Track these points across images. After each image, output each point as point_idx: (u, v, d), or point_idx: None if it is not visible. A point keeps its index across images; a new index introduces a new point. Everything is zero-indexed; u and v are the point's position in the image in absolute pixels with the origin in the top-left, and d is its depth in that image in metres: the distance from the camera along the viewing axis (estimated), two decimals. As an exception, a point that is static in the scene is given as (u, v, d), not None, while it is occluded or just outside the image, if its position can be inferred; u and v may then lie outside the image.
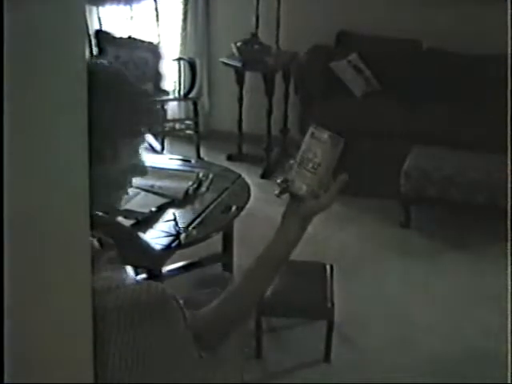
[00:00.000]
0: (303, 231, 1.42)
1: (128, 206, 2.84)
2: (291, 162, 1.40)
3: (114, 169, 1.35)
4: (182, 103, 5.49)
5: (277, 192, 1.40)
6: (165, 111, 5.39)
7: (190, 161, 3.73)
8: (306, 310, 3.02)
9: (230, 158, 5.20)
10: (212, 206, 3.04)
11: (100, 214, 1.44)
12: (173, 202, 3.01)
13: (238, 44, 4.87)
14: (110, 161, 1.34)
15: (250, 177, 3.87)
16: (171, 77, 5.25)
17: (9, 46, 0.86)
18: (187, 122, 5.44)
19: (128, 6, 5.20)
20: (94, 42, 4.88)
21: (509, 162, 3.42)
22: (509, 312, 2.13)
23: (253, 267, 1.46)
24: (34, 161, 0.96)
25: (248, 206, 3.13)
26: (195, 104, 5.14)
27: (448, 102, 4.75)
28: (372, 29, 5.04)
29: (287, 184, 1.38)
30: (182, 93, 5.19)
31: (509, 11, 2.93)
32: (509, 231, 2.91)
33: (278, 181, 1.39)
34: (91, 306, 1.14)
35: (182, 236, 2.77)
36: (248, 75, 5.14)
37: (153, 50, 5.11)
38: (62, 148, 1.00)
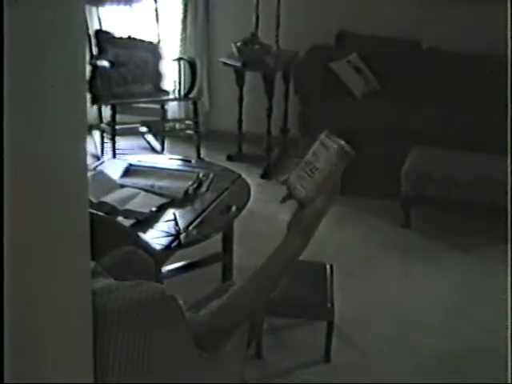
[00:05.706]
0: (307, 241, 1.45)
1: (128, 206, 2.84)
2: (297, 161, 1.42)
3: None
4: (182, 103, 5.48)
5: (280, 199, 1.44)
6: (165, 111, 5.40)
7: (190, 161, 3.74)
8: (306, 310, 3.02)
9: (229, 158, 5.20)
10: (212, 206, 3.04)
11: (100, 213, 1.44)
12: (173, 202, 3.01)
13: (238, 44, 4.87)
14: None
15: (250, 177, 3.87)
16: (171, 77, 5.24)
17: (9, 46, 0.86)
18: (187, 122, 5.43)
19: (128, 6, 5.19)
20: (93, 41, 4.88)
21: (509, 162, 3.42)
22: (509, 312, 2.13)
23: (256, 274, 1.47)
24: (33, 160, 0.96)
25: (248, 206, 3.13)
26: (195, 104, 5.13)
27: (448, 102, 4.75)
28: (372, 29, 5.03)
29: (289, 186, 1.40)
30: (182, 93, 5.19)
31: (509, 11, 2.93)
32: (509, 231, 2.91)
33: (281, 179, 1.42)
34: (91, 306, 1.15)
35: (182, 236, 2.76)
36: (248, 75, 5.13)
37: (153, 50, 5.11)
38: (62, 147, 1.00)
